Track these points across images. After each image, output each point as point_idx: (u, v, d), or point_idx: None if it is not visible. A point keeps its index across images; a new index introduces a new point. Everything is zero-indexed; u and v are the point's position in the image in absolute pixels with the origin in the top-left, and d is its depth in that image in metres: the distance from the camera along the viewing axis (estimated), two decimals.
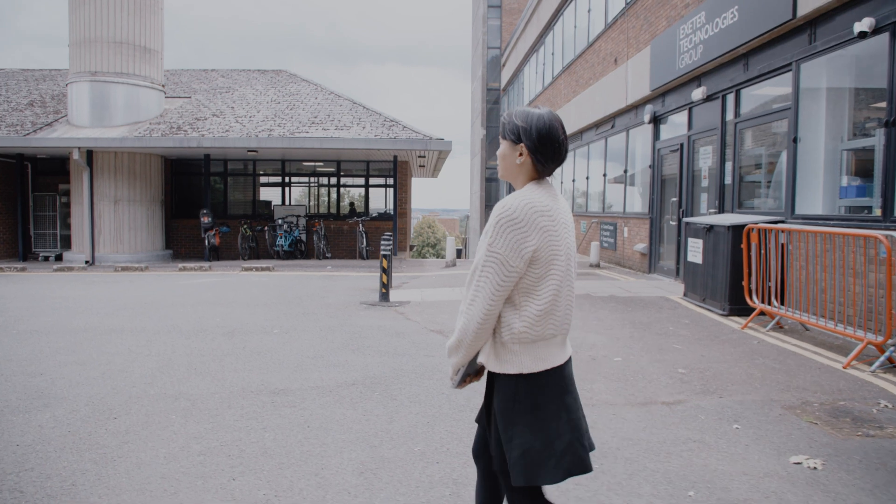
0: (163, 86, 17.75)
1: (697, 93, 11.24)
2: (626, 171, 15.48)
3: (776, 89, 9.51)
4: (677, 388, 5.29)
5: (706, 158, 11.45)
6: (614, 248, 15.92)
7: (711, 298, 8.98)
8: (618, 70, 15.64)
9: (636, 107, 14.83)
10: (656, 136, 13.64)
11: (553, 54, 23.61)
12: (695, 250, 9.51)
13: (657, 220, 13.54)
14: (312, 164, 19.76)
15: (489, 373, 2.15)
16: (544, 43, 25.31)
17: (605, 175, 17.19)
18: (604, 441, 4.03)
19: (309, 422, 4.37)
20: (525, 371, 2.03)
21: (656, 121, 13.55)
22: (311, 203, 20.21)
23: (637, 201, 15.10)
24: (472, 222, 43.12)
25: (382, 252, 9.86)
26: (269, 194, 20.70)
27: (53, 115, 17.79)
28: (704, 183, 11.56)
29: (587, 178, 18.87)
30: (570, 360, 2.17)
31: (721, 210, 10.75)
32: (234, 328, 7.73)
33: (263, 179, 20.45)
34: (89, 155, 16.05)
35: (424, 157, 17.54)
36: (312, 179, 20.37)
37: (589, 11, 18.57)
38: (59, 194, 18.30)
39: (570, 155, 20.77)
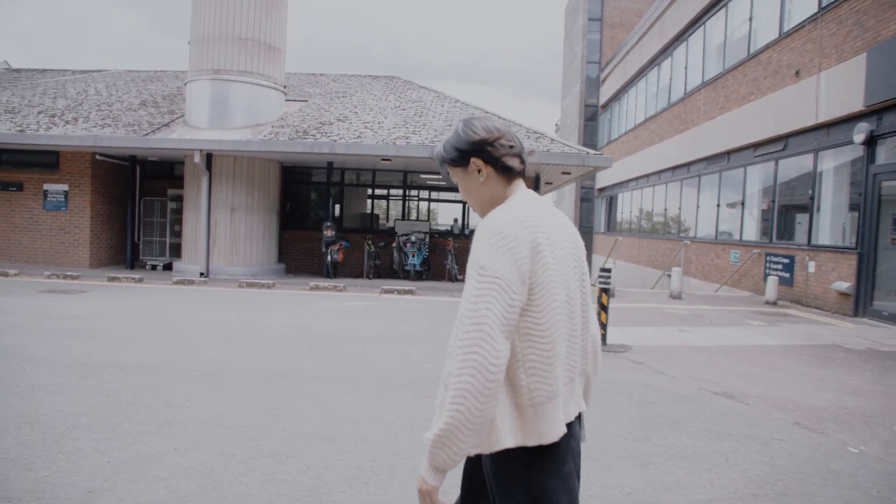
0: (284, 87, 16.46)
1: None
2: (811, 198, 13.48)
3: None
4: None
5: None
6: (790, 284, 13.90)
7: None
8: (801, 84, 13.71)
9: (830, 125, 12.88)
10: (870, 158, 11.65)
11: (687, 67, 21.71)
12: None
13: (868, 256, 11.54)
14: (429, 176, 18.23)
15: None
16: (671, 55, 23.45)
17: (774, 200, 15.19)
18: None
19: None
20: (548, 439, 1.58)
21: (871, 141, 11.58)
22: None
23: (827, 231, 13.10)
24: None
25: (602, 286, 8.13)
26: (378, 207, 19.30)
27: (168, 115, 16.65)
28: None
29: (742, 203, 16.87)
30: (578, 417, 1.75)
31: None
32: None
33: (377, 191, 19.04)
34: (208, 158, 14.77)
35: (569, 173, 15.81)
36: (432, 193, 18.88)
37: (750, 19, 16.69)
38: (169, 199, 17.11)
39: (714, 178, 18.81)
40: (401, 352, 7.34)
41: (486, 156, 1.75)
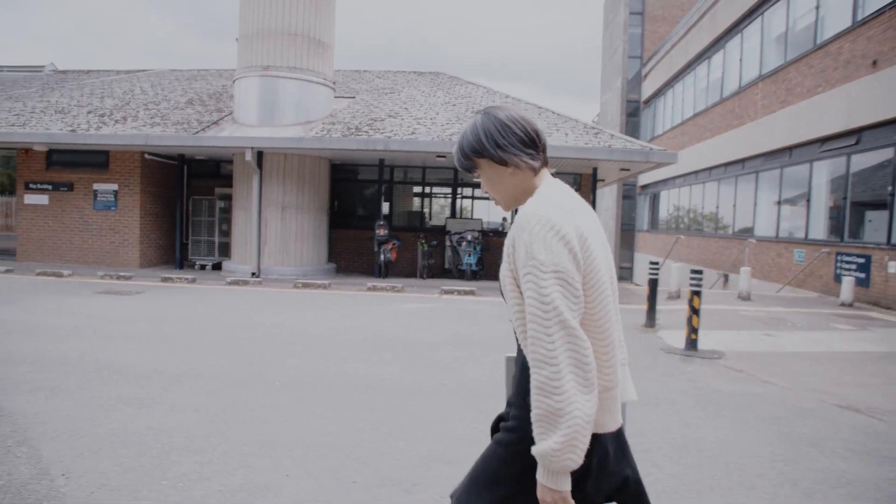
0: (333, 83, 16.13)
1: None
2: (891, 194, 12.79)
3: None
4: None
5: None
6: (866, 285, 13.22)
7: None
8: (879, 74, 13.02)
9: None
10: None
11: (741, 60, 20.99)
12: None
13: None
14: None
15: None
16: (724, 48, 22.72)
17: (845, 197, 14.49)
18: None
19: None
20: (601, 430, 1.61)
21: None
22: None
23: None
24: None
25: (693, 288, 7.63)
26: (421, 205, 18.90)
27: (216, 113, 16.41)
28: None
29: (808, 199, 16.17)
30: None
31: None
32: None
33: (420, 189, 18.65)
34: (258, 156, 14.49)
35: (628, 169, 15.28)
36: (476, 192, 18.43)
37: (817, 8, 15.98)
38: (217, 198, 16.87)
39: (774, 174, 18.11)
40: (484, 358, 6.92)
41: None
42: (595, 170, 15.27)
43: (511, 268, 1.60)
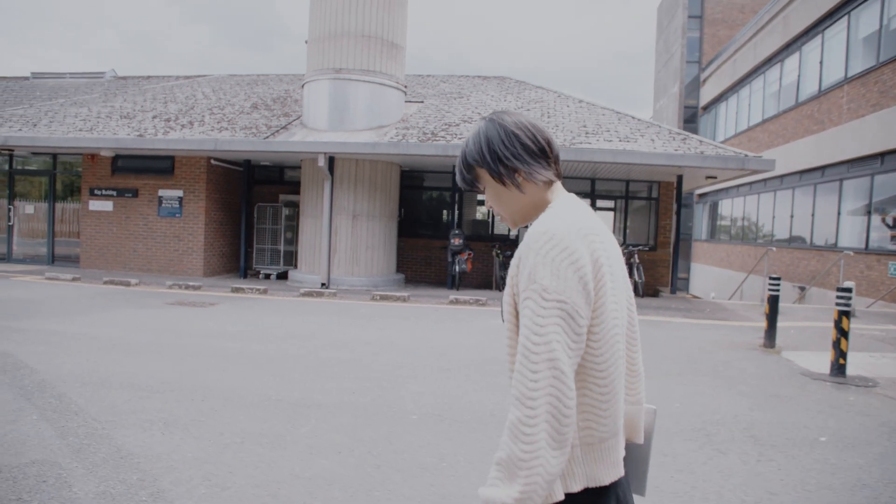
0: (405, 86, 15.57)
1: None
2: None
3: None
4: None
5: None
6: None
7: None
8: None
9: None
10: None
11: (822, 63, 19.99)
12: None
13: None
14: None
15: None
16: (799, 51, 21.73)
17: None
18: None
19: None
20: (595, 483, 1.37)
21: None
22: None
23: None
24: None
25: (841, 308, 6.83)
26: (488, 214, 18.22)
27: (283, 117, 15.96)
28: None
29: None
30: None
31: None
32: (751, 432, 4.89)
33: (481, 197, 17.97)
34: (329, 162, 13.96)
35: (715, 177, 14.44)
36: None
37: None
38: (283, 205, 16.40)
39: (862, 182, 17.09)
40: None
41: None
42: (680, 178, 14.46)
43: (513, 292, 1.39)
